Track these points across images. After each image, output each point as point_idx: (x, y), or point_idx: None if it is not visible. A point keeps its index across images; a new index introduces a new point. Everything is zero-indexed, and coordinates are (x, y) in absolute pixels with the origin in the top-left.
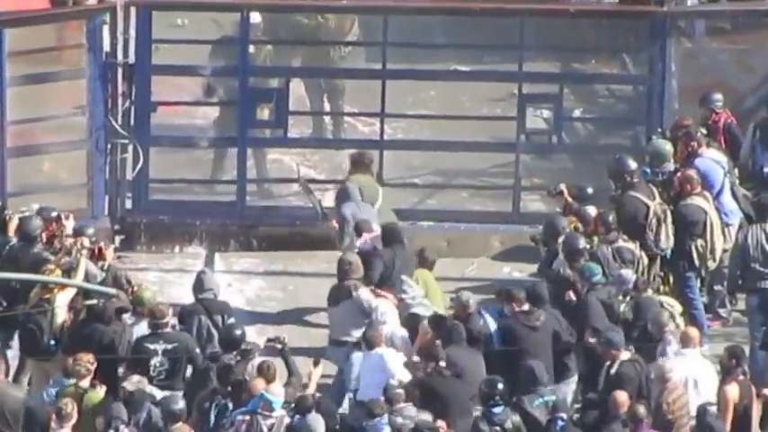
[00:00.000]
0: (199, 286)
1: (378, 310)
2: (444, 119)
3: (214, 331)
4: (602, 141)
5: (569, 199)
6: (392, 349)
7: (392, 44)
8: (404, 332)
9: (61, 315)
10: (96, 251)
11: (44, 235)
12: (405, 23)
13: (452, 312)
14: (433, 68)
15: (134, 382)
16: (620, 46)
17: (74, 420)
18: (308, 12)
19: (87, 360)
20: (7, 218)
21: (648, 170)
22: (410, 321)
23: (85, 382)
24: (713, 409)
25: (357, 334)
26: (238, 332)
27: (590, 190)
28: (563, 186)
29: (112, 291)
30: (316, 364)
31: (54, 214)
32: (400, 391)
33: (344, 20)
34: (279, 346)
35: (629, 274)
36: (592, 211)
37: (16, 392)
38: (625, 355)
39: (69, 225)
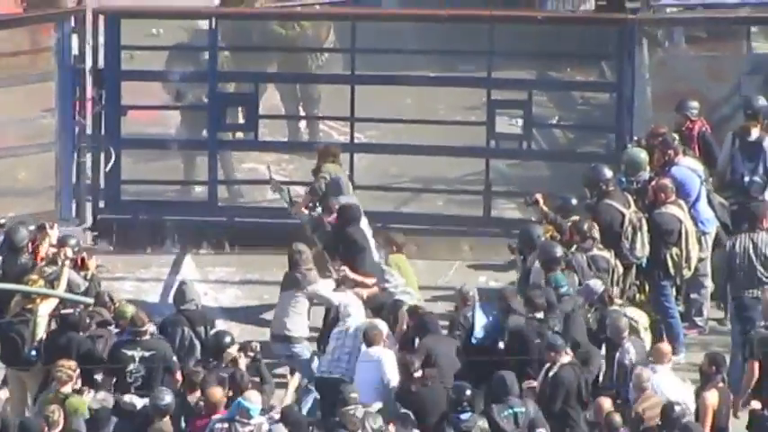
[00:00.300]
0: (180, 297)
1: (341, 305)
2: (415, 123)
3: (196, 342)
4: (577, 148)
5: (545, 208)
6: (390, 352)
7: (360, 50)
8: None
9: (42, 325)
10: (79, 261)
11: (29, 245)
12: (379, 31)
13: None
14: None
15: (99, 399)
16: (591, 53)
17: (60, 427)
18: (276, 19)
19: (68, 366)
20: None
21: (624, 179)
22: (393, 309)
23: (67, 388)
24: (679, 407)
25: (296, 330)
26: (227, 340)
27: (574, 201)
28: (538, 196)
29: (89, 300)
30: (292, 372)
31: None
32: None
33: (321, 28)
34: (251, 354)
35: (597, 284)
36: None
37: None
38: (565, 358)
39: (53, 234)
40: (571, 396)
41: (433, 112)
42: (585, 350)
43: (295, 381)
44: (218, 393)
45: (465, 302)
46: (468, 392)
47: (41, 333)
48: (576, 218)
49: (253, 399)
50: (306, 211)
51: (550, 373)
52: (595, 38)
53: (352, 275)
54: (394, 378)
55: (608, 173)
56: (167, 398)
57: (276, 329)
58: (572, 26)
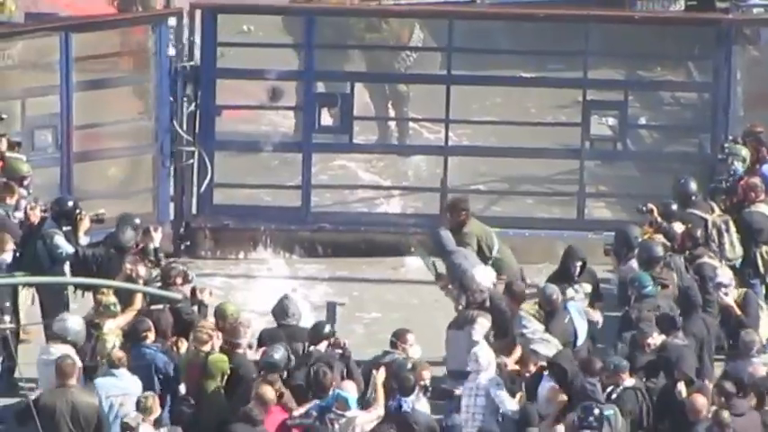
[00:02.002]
0: (281, 312)
1: (474, 350)
2: (508, 125)
3: (291, 358)
4: (667, 149)
5: (658, 218)
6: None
7: (456, 49)
8: (499, 381)
9: (110, 341)
10: (190, 292)
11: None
12: (470, 31)
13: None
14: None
15: (132, 418)
16: (684, 53)
17: (156, 414)
18: (372, 16)
19: (208, 326)
20: (78, 218)
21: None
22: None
23: (207, 347)
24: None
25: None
26: (326, 330)
27: (674, 206)
28: (652, 205)
29: (178, 296)
30: (377, 368)
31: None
32: None
33: (403, 29)
34: (339, 351)
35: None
36: (677, 227)
37: (90, 398)
38: (629, 381)
39: (157, 238)
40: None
41: (523, 111)
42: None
43: (381, 374)
44: (269, 392)
45: (550, 305)
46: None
47: (108, 348)
48: (677, 223)
49: (350, 389)
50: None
51: (613, 396)
52: (684, 38)
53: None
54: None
55: (694, 186)
56: (279, 354)
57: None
58: (667, 26)
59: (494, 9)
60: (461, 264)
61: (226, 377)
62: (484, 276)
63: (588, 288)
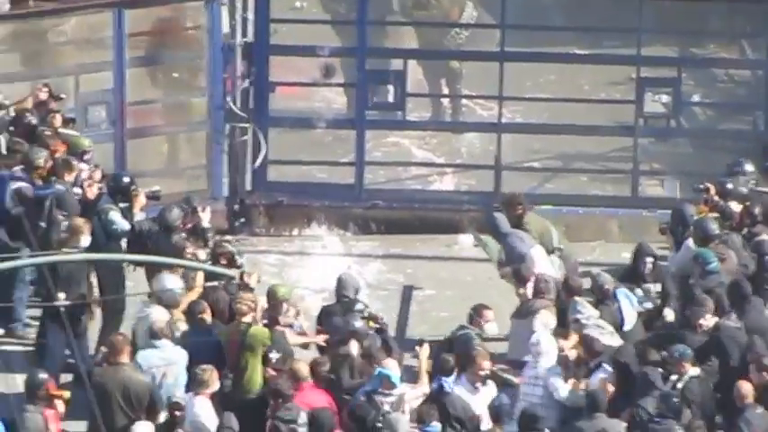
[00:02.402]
0: (339, 287)
1: (533, 339)
2: (562, 101)
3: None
4: (720, 126)
5: (715, 197)
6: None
7: (509, 26)
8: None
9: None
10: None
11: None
12: (525, 7)
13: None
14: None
15: (180, 397)
16: (738, 30)
17: (214, 388)
18: None
19: (249, 298)
20: (134, 194)
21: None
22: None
23: (248, 318)
24: None
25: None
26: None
27: (730, 185)
28: (709, 184)
29: (232, 273)
30: (421, 344)
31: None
32: None
33: (453, 7)
34: (376, 326)
35: None
36: (734, 206)
37: (142, 377)
38: (693, 370)
39: (205, 217)
40: (696, 410)
41: (576, 88)
42: None
43: (425, 351)
44: (304, 369)
45: (602, 293)
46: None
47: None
48: (734, 202)
49: (392, 367)
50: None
51: (679, 385)
52: (737, 15)
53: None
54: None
55: (750, 166)
56: (357, 323)
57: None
58: (721, 3)
59: None
60: (517, 246)
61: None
62: (541, 257)
63: (658, 287)
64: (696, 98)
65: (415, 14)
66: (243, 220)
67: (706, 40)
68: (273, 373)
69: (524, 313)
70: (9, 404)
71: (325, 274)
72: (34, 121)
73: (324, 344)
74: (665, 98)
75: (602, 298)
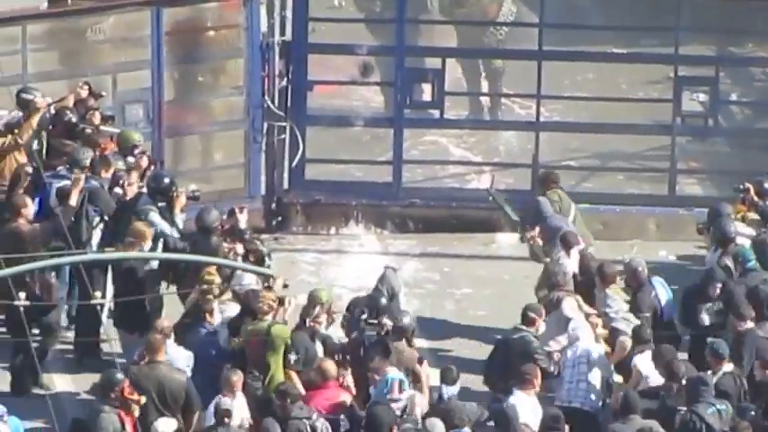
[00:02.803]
0: (378, 280)
1: (571, 325)
2: (599, 100)
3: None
4: (758, 125)
5: (755, 197)
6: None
7: (547, 25)
8: (600, 349)
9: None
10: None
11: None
12: (563, 6)
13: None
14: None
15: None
16: None
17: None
18: None
19: (269, 297)
20: (175, 195)
21: None
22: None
23: (269, 317)
24: None
25: (555, 346)
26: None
27: (767, 184)
28: (749, 184)
29: (269, 271)
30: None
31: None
32: None
33: (491, 4)
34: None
35: None
36: None
37: (178, 375)
38: (727, 366)
39: (243, 219)
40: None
41: (614, 87)
42: None
43: (425, 368)
44: (332, 368)
45: (635, 278)
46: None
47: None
48: None
49: (391, 372)
50: (538, 240)
51: (713, 380)
52: None
53: (586, 308)
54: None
55: None
56: (406, 319)
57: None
58: (759, 1)
59: None
60: (561, 226)
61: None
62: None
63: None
64: (734, 97)
65: (454, 12)
66: (280, 218)
67: (744, 39)
68: (293, 374)
69: (548, 309)
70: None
71: (362, 273)
72: (74, 118)
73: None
74: (702, 97)
75: (637, 285)
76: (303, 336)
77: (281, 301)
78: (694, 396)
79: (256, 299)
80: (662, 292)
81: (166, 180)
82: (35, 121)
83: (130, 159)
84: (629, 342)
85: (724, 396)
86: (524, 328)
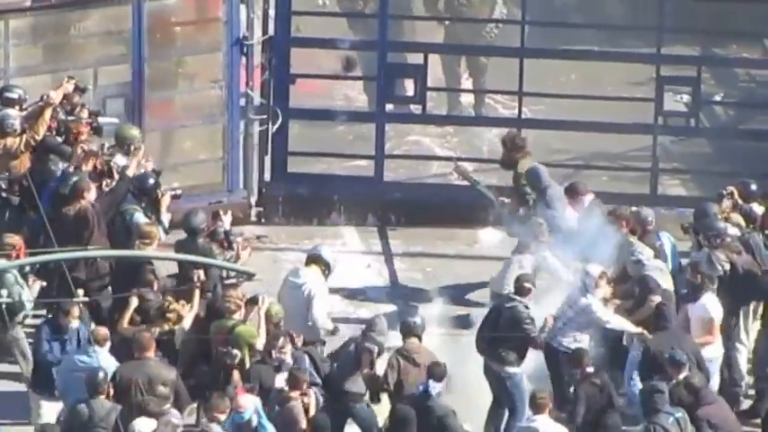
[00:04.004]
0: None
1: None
2: (582, 98)
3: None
4: (740, 126)
5: (739, 200)
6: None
7: (529, 23)
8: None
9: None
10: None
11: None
12: (545, 6)
13: (629, 228)
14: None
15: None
16: (759, 30)
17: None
18: None
19: (236, 296)
20: (160, 195)
21: None
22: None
23: (236, 317)
24: None
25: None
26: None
27: (754, 186)
28: (733, 188)
29: (252, 271)
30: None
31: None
32: None
33: (483, 6)
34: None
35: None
36: (756, 207)
37: (167, 371)
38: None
39: (227, 221)
40: None
41: (597, 87)
42: None
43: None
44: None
45: (644, 227)
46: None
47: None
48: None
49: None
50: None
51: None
52: (759, 14)
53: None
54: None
55: None
56: (418, 319)
57: (495, 287)
58: (742, 2)
59: None
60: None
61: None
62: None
63: None
64: (717, 97)
65: (437, 8)
66: (261, 209)
67: (727, 40)
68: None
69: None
70: None
71: (345, 273)
72: (62, 114)
73: None
74: (685, 97)
75: (643, 232)
76: (260, 369)
77: (253, 301)
78: (651, 406)
79: (223, 299)
80: (666, 243)
81: (151, 181)
82: (48, 115)
83: (119, 159)
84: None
85: (679, 404)
86: (517, 297)
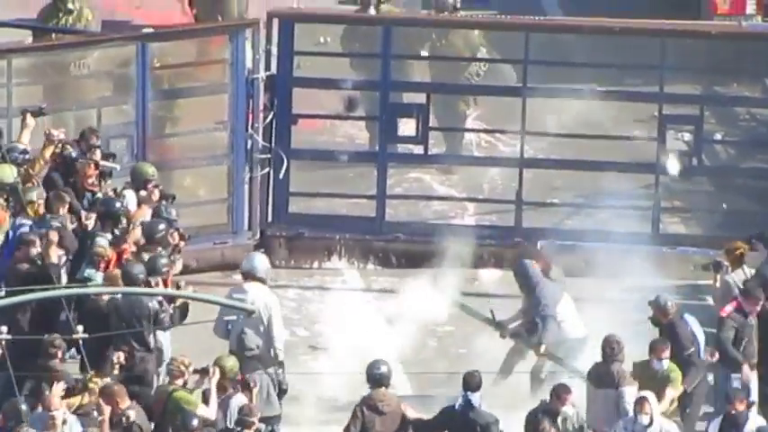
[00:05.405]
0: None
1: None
2: (583, 138)
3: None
4: (742, 165)
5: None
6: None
7: (532, 62)
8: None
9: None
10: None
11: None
12: (547, 45)
13: (651, 317)
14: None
15: None
16: (761, 69)
17: None
18: (450, 27)
19: (181, 362)
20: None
21: None
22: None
23: (179, 382)
24: None
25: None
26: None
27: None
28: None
29: (252, 308)
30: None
31: None
32: None
33: (465, 51)
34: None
35: None
36: None
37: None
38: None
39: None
40: None
41: (598, 125)
42: None
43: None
44: None
45: (665, 316)
46: None
47: None
48: None
49: None
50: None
51: None
52: (761, 53)
53: None
54: None
55: None
56: (384, 368)
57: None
58: (744, 41)
59: (570, 22)
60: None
61: None
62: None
63: None
64: (719, 136)
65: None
66: (263, 251)
67: (728, 79)
68: None
69: (607, 382)
70: None
71: (345, 311)
72: (74, 153)
73: None
74: (687, 136)
75: (669, 321)
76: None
77: (204, 371)
78: None
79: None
80: (697, 327)
81: (117, 205)
82: (48, 153)
83: (143, 193)
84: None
85: None
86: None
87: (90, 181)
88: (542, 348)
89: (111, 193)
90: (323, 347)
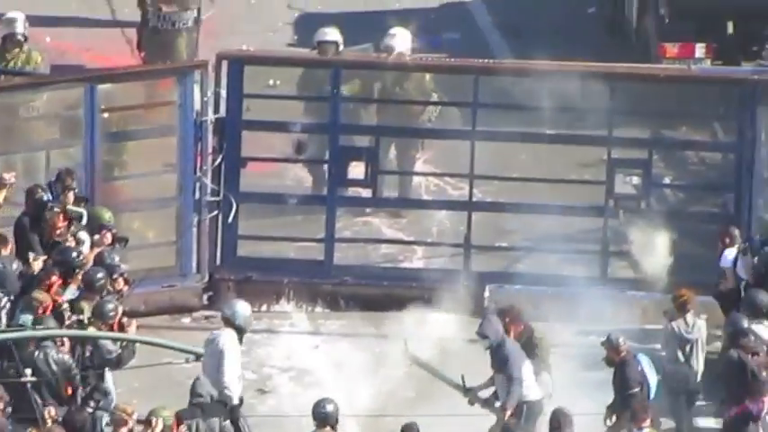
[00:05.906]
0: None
1: None
2: (531, 181)
3: None
4: (691, 208)
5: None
6: None
7: (482, 105)
8: None
9: None
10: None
11: None
12: (496, 91)
13: (605, 357)
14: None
15: None
16: (710, 113)
17: None
18: (402, 70)
19: (123, 409)
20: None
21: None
22: None
23: (123, 431)
24: None
25: None
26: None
27: None
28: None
29: (199, 351)
30: None
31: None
32: None
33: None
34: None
35: None
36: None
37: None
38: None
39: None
40: None
41: (548, 168)
42: None
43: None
44: None
45: (617, 354)
46: None
47: None
48: None
49: None
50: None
51: None
52: (709, 97)
53: None
54: None
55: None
56: (329, 406)
57: None
58: (692, 85)
59: (520, 65)
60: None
61: None
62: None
63: None
64: (667, 180)
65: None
66: (211, 293)
67: (677, 123)
68: None
69: None
70: None
71: (293, 353)
72: (45, 197)
73: None
74: (635, 180)
75: (621, 360)
76: None
77: (147, 422)
78: None
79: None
80: (648, 369)
81: (73, 254)
82: (1, 198)
83: (96, 237)
84: None
85: None
86: None
87: (58, 232)
88: (507, 414)
89: (71, 240)
90: (270, 391)
